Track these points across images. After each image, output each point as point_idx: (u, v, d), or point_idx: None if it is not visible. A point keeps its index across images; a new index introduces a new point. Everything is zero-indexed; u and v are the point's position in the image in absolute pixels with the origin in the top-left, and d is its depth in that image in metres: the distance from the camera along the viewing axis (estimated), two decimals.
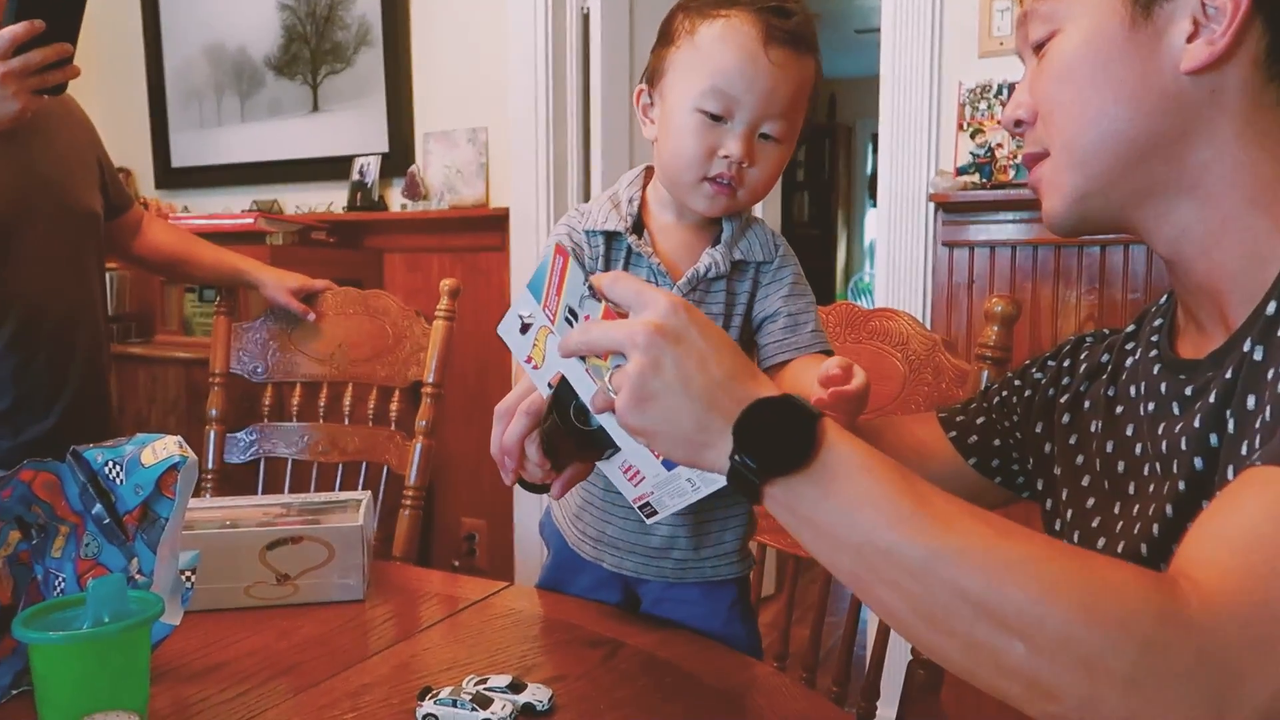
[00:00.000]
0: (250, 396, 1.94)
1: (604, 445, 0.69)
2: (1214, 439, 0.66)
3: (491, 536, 2.85)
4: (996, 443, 0.93)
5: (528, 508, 2.76)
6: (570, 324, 0.67)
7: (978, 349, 1.15)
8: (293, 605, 1.01)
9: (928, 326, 2.21)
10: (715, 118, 0.90)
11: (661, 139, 0.95)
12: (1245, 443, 0.63)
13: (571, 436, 0.70)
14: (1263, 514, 0.53)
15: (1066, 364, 0.91)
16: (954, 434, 0.95)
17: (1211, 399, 0.67)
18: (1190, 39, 0.67)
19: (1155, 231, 0.73)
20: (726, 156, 0.90)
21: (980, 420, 0.95)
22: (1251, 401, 0.63)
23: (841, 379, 0.77)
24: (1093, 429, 0.83)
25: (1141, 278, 2.00)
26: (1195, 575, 0.53)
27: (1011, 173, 2.06)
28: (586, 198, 2.74)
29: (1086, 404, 0.85)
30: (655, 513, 0.72)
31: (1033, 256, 2.10)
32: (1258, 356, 0.64)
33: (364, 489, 1.62)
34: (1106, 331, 0.91)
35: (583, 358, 0.67)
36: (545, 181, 2.67)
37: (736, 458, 0.61)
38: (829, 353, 0.98)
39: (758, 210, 3.21)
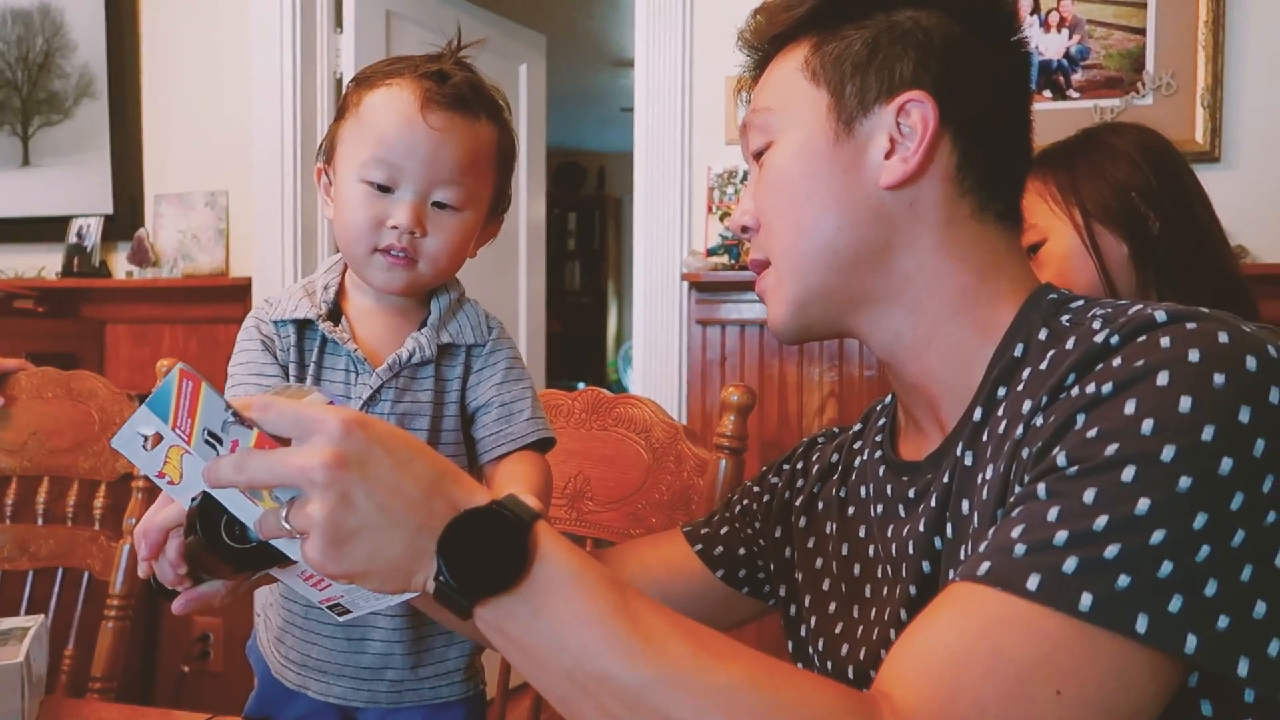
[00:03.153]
0: None
1: (270, 561, 0.61)
2: (938, 542, 0.68)
3: (228, 634, 2.59)
4: (741, 552, 0.91)
5: None
6: (212, 447, 0.57)
7: (715, 438, 1.15)
8: None
9: (684, 403, 2.25)
10: (382, 188, 0.86)
11: (335, 214, 0.90)
12: (962, 548, 0.64)
13: (224, 556, 0.61)
14: (956, 632, 0.54)
15: (800, 466, 0.91)
16: (700, 547, 0.93)
17: (933, 502, 0.68)
18: (888, 155, 0.69)
19: (871, 336, 0.75)
20: (395, 226, 0.85)
21: (724, 530, 0.93)
22: (965, 506, 0.65)
23: None
24: (828, 530, 0.83)
25: (875, 357, 2.13)
26: (893, 694, 0.54)
27: None
28: None
29: (820, 505, 0.86)
30: (348, 611, 0.64)
31: None
32: (968, 461, 0.66)
33: (56, 600, 1.43)
34: (836, 430, 0.93)
35: None
36: (291, 250, 2.52)
37: (441, 578, 0.55)
38: (548, 440, 0.94)
39: (521, 277, 3.16)
